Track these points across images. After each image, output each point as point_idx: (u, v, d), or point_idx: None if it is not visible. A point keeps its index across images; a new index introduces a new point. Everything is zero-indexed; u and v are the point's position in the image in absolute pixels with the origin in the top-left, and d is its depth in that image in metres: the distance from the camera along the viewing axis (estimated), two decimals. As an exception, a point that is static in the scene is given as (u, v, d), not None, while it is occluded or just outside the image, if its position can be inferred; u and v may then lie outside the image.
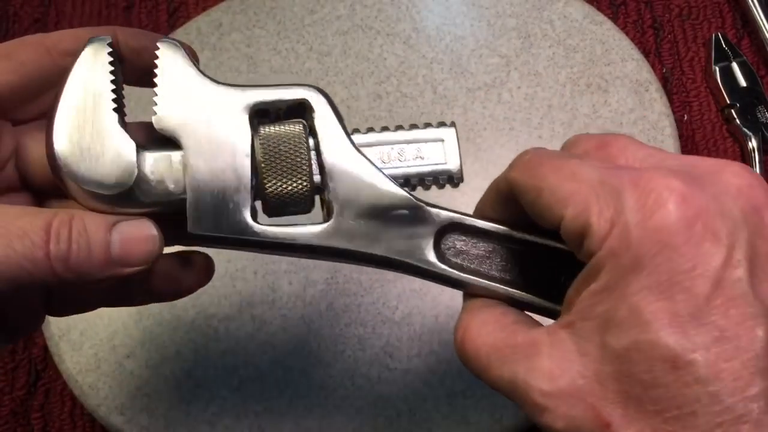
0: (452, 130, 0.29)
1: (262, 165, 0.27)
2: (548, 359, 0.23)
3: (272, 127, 0.27)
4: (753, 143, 0.47)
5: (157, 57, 0.27)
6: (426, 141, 0.29)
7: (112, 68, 0.26)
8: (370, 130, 0.29)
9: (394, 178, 0.28)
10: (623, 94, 0.46)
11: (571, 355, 0.23)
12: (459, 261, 0.28)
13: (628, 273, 0.21)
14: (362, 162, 0.27)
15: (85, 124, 0.25)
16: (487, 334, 0.26)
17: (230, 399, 0.42)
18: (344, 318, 0.42)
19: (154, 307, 0.43)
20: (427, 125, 0.30)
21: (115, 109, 0.26)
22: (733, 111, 0.48)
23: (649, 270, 0.21)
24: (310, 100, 0.28)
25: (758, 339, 0.20)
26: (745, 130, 0.47)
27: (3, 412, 0.44)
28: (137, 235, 0.26)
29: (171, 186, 0.26)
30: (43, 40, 0.27)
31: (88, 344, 0.43)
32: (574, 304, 0.23)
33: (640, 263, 0.21)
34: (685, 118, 0.49)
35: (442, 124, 0.30)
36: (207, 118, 0.26)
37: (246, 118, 0.27)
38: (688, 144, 0.48)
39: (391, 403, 0.41)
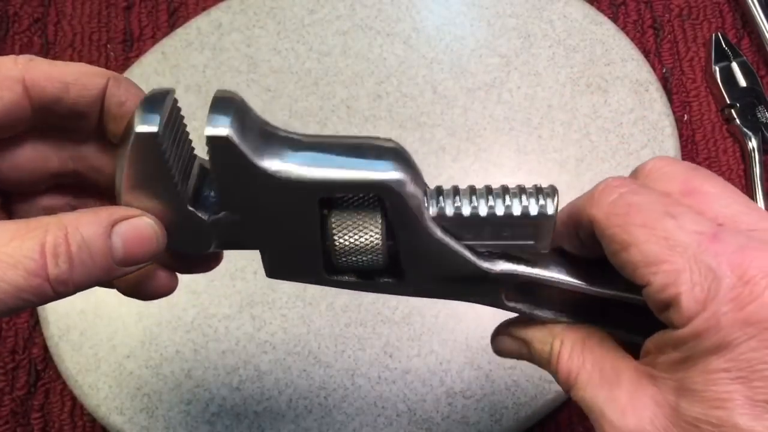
0: (552, 210, 0.25)
1: (335, 253, 0.26)
2: (627, 395, 0.24)
3: (345, 215, 0.25)
4: (753, 143, 0.47)
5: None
6: (520, 223, 0.25)
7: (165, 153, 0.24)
8: (456, 194, 0.26)
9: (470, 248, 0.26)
10: (623, 94, 0.46)
11: (647, 400, 0.23)
12: (526, 302, 0.28)
13: (711, 353, 0.22)
14: (437, 243, 0.25)
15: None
16: (579, 355, 0.26)
17: (230, 399, 0.42)
18: (344, 318, 0.42)
19: (154, 307, 0.43)
20: (524, 193, 0.25)
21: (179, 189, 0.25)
22: (733, 111, 0.48)
23: (732, 355, 0.22)
24: (386, 193, 0.24)
25: None
26: (745, 130, 0.47)
27: (3, 411, 0.44)
28: (139, 234, 0.24)
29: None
30: (23, 75, 0.24)
31: (88, 344, 0.43)
32: (655, 355, 0.24)
33: (724, 347, 0.22)
34: (685, 118, 0.49)
35: (542, 194, 0.25)
36: (274, 218, 0.25)
37: (316, 209, 0.25)
38: (688, 144, 0.48)
39: (391, 403, 0.41)
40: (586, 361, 0.26)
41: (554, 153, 0.45)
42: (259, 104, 0.47)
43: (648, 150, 0.45)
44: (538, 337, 0.28)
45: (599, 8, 0.50)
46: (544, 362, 0.27)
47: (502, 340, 0.30)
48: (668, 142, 0.45)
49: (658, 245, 0.23)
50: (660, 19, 0.51)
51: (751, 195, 0.46)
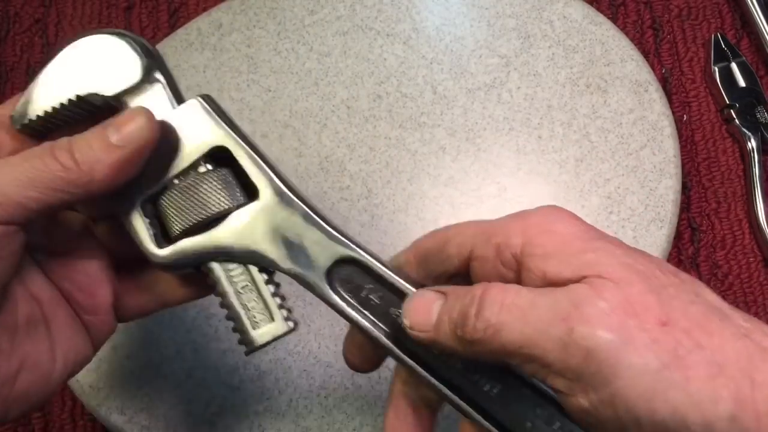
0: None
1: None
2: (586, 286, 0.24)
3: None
4: (752, 143, 0.47)
5: None
6: None
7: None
8: None
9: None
10: (623, 95, 0.46)
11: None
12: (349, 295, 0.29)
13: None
14: None
15: None
16: (512, 288, 0.26)
17: (230, 399, 0.42)
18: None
19: (155, 307, 0.43)
20: None
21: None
22: (732, 111, 0.48)
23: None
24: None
25: None
26: (745, 130, 0.47)
27: (3, 412, 0.44)
28: (131, 118, 0.27)
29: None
30: None
31: (89, 344, 0.43)
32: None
33: None
34: (685, 118, 0.49)
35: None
36: None
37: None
38: (688, 144, 0.48)
39: (391, 403, 0.41)
40: (523, 290, 0.25)
41: (554, 153, 0.45)
42: (259, 104, 0.47)
43: (647, 150, 0.45)
44: (459, 288, 0.27)
45: (599, 9, 0.50)
46: (460, 303, 0.26)
47: (423, 291, 0.28)
48: (667, 143, 0.45)
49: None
50: (659, 20, 0.51)
51: (751, 195, 0.47)
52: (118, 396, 0.42)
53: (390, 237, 0.44)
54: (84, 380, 0.42)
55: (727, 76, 0.48)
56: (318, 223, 0.28)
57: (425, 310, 0.27)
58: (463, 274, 0.29)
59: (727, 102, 0.48)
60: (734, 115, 0.48)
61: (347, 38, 0.48)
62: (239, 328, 0.29)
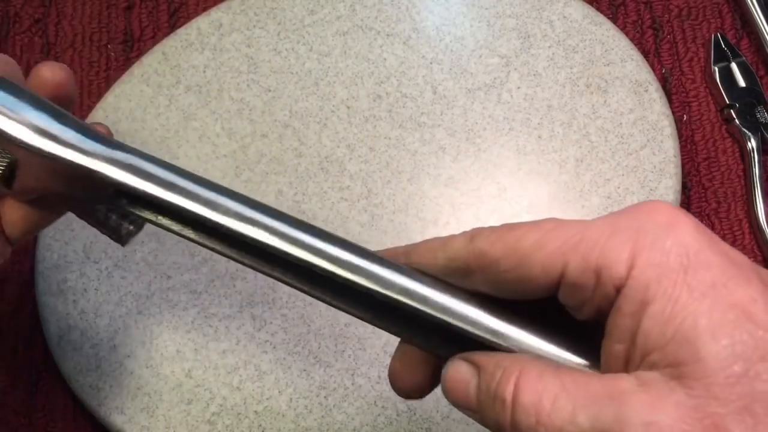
0: None
1: None
2: (645, 396, 0.20)
3: None
4: (752, 143, 0.47)
5: None
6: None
7: None
8: None
9: None
10: (623, 95, 0.46)
11: (666, 396, 0.20)
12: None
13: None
14: None
15: None
16: (550, 382, 0.21)
17: (230, 398, 0.42)
18: (344, 318, 0.42)
19: (155, 307, 0.43)
20: None
21: None
22: (732, 111, 0.48)
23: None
24: None
25: None
26: (745, 130, 0.47)
27: (5, 411, 0.44)
28: None
29: None
30: None
31: (89, 344, 0.43)
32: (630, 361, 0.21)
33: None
34: (685, 118, 0.49)
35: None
36: None
37: None
38: (688, 144, 0.48)
39: (391, 403, 0.41)
40: (565, 383, 0.21)
41: (554, 153, 0.45)
42: (259, 104, 0.47)
43: (647, 150, 0.45)
44: (492, 361, 0.23)
45: (599, 9, 0.50)
46: (492, 391, 0.22)
47: (455, 363, 0.24)
48: (667, 143, 0.45)
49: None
50: (659, 20, 0.51)
51: (751, 195, 0.47)
52: (118, 396, 0.42)
53: (390, 237, 0.44)
54: (84, 380, 0.42)
55: (727, 76, 0.48)
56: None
57: (464, 393, 0.23)
58: (551, 297, 0.23)
59: (727, 102, 0.48)
60: (734, 115, 0.48)
61: (347, 38, 0.48)
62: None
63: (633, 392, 0.20)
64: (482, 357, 0.23)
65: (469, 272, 0.23)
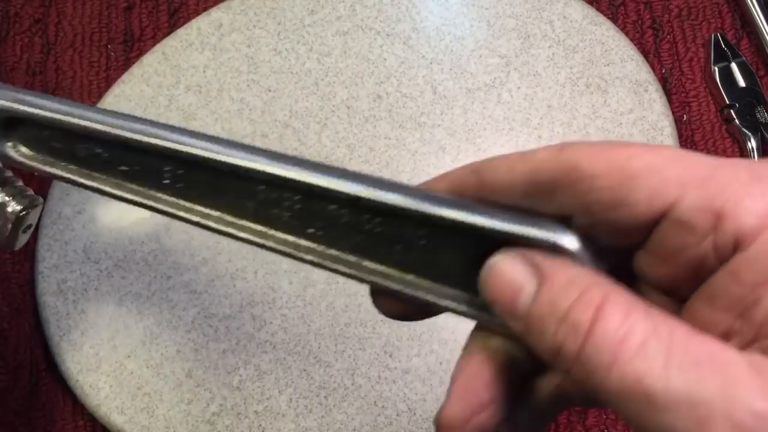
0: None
1: None
2: (759, 383, 0.16)
3: None
4: (752, 143, 0.47)
5: None
6: None
7: None
8: None
9: None
10: (623, 95, 0.46)
11: None
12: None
13: None
14: None
15: None
16: (640, 321, 0.17)
17: (230, 398, 0.42)
18: (344, 318, 0.42)
19: (155, 307, 0.43)
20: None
21: None
22: (732, 111, 0.48)
23: None
24: None
25: None
26: (745, 130, 0.47)
27: (5, 411, 0.44)
28: None
29: None
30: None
31: (89, 344, 0.43)
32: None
33: None
34: (685, 118, 0.49)
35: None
36: None
37: None
38: (688, 144, 0.48)
39: (391, 403, 0.41)
40: (659, 329, 0.17)
41: (554, 153, 0.45)
42: (259, 104, 0.47)
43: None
44: (564, 275, 0.18)
45: (599, 9, 0.50)
46: (560, 310, 0.18)
47: (510, 261, 0.19)
48: (667, 143, 0.45)
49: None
50: (659, 20, 0.51)
51: (751, 195, 0.46)
52: (118, 396, 0.42)
53: (390, 237, 0.44)
54: (84, 380, 0.42)
55: (727, 76, 0.48)
56: None
57: (510, 298, 0.19)
58: (636, 236, 0.19)
59: (727, 102, 0.48)
60: (734, 115, 0.48)
61: (347, 38, 0.48)
62: None
63: (745, 373, 0.16)
64: (550, 264, 0.19)
65: (555, 189, 0.19)
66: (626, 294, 0.18)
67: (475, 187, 0.21)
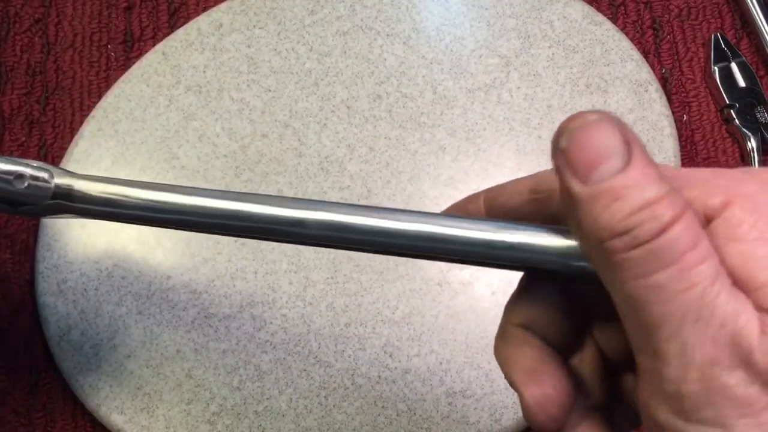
0: None
1: None
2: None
3: None
4: (752, 143, 0.47)
5: None
6: None
7: None
8: None
9: None
10: (623, 95, 0.46)
11: None
12: None
13: None
14: None
15: None
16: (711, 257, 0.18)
17: (230, 399, 0.42)
18: (344, 318, 0.42)
19: (155, 307, 0.43)
20: None
21: None
22: (732, 111, 0.48)
23: None
24: None
25: None
26: (745, 130, 0.47)
27: (5, 411, 0.44)
28: None
29: None
30: None
31: (89, 344, 0.43)
32: None
33: None
34: (685, 118, 0.49)
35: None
36: None
37: None
38: (688, 144, 0.48)
39: (391, 403, 0.41)
40: (722, 269, 0.18)
41: (554, 153, 0.45)
42: (259, 104, 0.47)
43: (647, 150, 0.45)
44: (656, 169, 0.19)
45: (599, 9, 0.50)
46: (643, 197, 0.18)
47: (606, 125, 0.20)
48: (667, 143, 0.45)
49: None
50: (659, 20, 0.51)
51: (751, 195, 0.46)
52: (118, 396, 0.42)
53: (390, 237, 0.44)
54: (84, 380, 0.42)
55: (727, 76, 0.48)
56: None
57: (595, 157, 0.19)
58: None
59: (727, 102, 0.48)
60: (734, 115, 0.48)
61: (347, 38, 0.48)
62: None
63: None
64: (641, 151, 0.19)
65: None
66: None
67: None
